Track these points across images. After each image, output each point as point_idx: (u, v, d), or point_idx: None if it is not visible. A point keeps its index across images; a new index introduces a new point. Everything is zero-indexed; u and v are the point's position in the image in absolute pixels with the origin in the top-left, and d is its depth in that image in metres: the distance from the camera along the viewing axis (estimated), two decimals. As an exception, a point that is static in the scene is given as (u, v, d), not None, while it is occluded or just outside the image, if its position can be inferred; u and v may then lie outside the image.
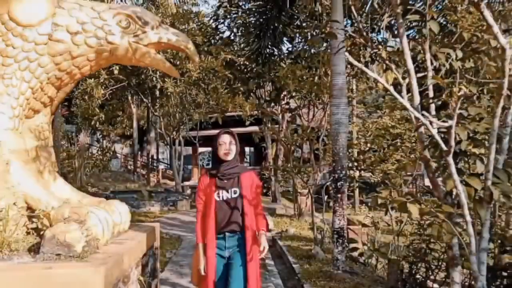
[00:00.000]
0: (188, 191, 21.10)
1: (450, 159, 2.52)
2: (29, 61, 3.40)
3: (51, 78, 3.53)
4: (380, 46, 3.67)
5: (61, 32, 3.44)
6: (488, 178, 2.54)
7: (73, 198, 3.72)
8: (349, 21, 9.18)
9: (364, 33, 3.92)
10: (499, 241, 4.42)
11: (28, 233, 3.29)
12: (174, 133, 22.07)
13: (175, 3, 19.58)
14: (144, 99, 20.56)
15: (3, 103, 3.34)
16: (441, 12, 4.60)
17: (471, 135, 2.68)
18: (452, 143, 2.48)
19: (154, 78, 17.85)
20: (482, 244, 2.59)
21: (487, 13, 2.29)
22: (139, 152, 30.18)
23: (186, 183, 23.78)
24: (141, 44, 3.62)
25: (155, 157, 30.22)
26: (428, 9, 3.35)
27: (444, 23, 4.08)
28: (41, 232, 3.21)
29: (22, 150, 3.42)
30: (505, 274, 4.10)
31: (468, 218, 2.54)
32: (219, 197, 3.55)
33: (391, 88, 2.70)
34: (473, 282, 3.09)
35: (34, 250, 3.08)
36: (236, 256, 3.51)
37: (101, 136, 27.55)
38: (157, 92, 19.97)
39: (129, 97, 22.20)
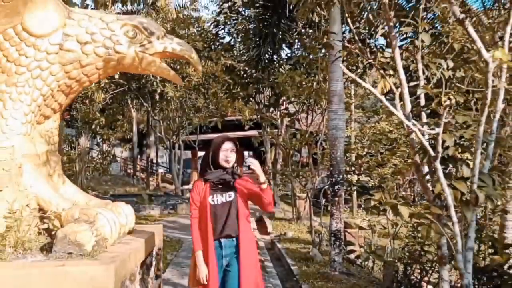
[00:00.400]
0: (188, 195, 21.25)
1: (437, 164, 2.70)
2: (41, 69, 3.55)
3: (61, 85, 3.69)
4: (378, 53, 3.85)
5: (71, 42, 3.59)
6: (473, 182, 2.72)
7: (81, 200, 3.88)
8: (347, 27, 9.35)
9: (361, 42, 4.11)
10: (490, 242, 4.60)
11: (39, 233, 3.44)
12: (174, 137, 22.23)
13: (175, 9, 19.82)
14: (144, 103, 20.74)
15: (16, 109, 3.50)
16: (433, 20, 4.79)
17: (458, 141, 2.86)
18: (439, 149, 2.65)
19: (154, 83, 18.03)
20: (468, 244, 2.77)
21: (471, 29, 2.47)
22: (139, 156, 30.32)
23: (186, 186, 23.89)
24: (147, 54, 3.79)
25: (154, 161, 30.36)
26: (420, 22, 3.54)
27: (437, 33, 4.27)
28: (52, 233, 3.37)
29: (34, 154, 3.57)
30: (495, 274, 4.27)
31: (455, 219, 2.72)
32: (213, 201, 3.55)
33: (383, 98, 2.88)
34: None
35: (46, 249, 3.24)
36: (233, 264, 3.50)
37: (101, 140, 27.70)
38: (157, 96, 20.16)
39: (129, 101, 22.36)
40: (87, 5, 9.54)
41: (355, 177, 11.81)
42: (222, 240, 3.52)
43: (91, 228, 3.20)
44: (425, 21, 3.68)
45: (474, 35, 2.48)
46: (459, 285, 4.61)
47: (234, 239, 3.52)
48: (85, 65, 3.67)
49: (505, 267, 4.31)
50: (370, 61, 3.51)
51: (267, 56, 12.60)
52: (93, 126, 21.37)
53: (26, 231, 3.31)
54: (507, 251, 4.51)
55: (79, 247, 3.08)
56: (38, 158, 3.62)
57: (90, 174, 19.20)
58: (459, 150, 2.94)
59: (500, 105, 2.77)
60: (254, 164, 3.45)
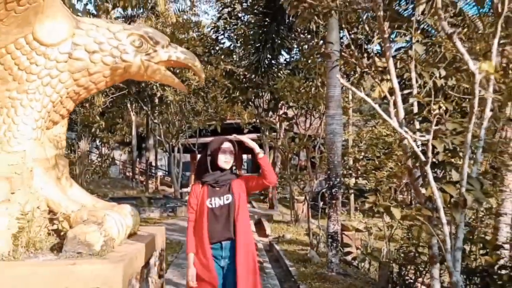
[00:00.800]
0: (187, 198, 21.33)
1: (428, 168, 2.87)
2: (51, 77, 3.68)
3: (70, 92, 3.84)
4: (376, 58, 4.02)
5: (80, 51, 3.73)
6: (462, 185, 2.89)
7: (88, 202, 4.01)
8: (345, 33, 9.52)
9: (358, 47, 4.28)
10: (481, 244, 4.76)
11: (49, 234, 3.60)
12: (174, 140, 22.38)
13: (174, 13, 20.02)
14: (144, 107, 20.91)
15: (27, 115, 3.65)
16: (427, 29, 4.96)
17: (448, 147, 3.03)
18: (430, 154, 2.83)
19: (154, 87, 18.20)
20: (457, 244, 2.93)
21: (459, 44, 2.64)
22: (138, 159, 30.45)
23: (184, 189, 23.97)
24: (152, 62, 3.94)
25: (153, 164, 30.48)
26: (414, 32, 3.71)
27: (430, 43, 4.45)
28: (61, 233, 3.52)
29: (44, 158, 3.72)
30: (485, 274, 4.43)
31: (444, 220, 2.88)
32: (211, 204, 3.53)
33: (377, 106, 3.05)
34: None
35: (56, 249, 3.39)
36: (231, 267, 3.49)
37: (100, 143, 27.84)
38: (157, 100, 20.33)
39: (129, 105, 22.52)
40: (89, 10, 9.68)
41: (352, 180, 11.98)
42: (223, 242, 3.53)
43: (100, 229, 3.35)
44: (418, 31, 3.85)
45: (462, 49, 2.65)
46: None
47: (233, 240, 3.50)
48: (93, 73, 3.82)
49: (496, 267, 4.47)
50: (365, 70, 3.68)
51: (266, 61, 12.76)
52: (93, 130, 21.49)
53: (37, 231, 3.46)
54: (497, 252, 4.67)
55: (88, 247, 3.24)
56: (47, 162, 3.76)
57: (89, 177, 19.31)
58: (449, 155, 3.11)
59: (488, 113, 2.94)
60: (243, 139, 3.56)
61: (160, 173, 31.54)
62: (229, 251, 3.53)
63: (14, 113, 3.62)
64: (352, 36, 9.52)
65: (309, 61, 10.78)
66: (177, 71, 16.12)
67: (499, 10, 2.82)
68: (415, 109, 3.57)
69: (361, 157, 10.37)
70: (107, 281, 2.96)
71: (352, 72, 9.41)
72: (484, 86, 3.02)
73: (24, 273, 2.93)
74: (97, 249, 3.25)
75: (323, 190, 10.81)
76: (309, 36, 12.16)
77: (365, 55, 4.59)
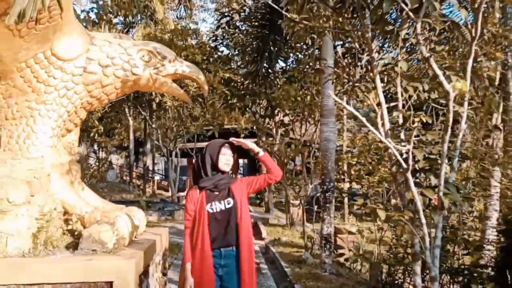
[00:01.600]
0: (184, 201, 21.56)
1: (409, 175, 3.21)
2: (67, 89, 4.00)
3: (83, 103, 4.16)
4: (369, 68, 4.35)
5: (94, 65, 4.05)
6: (440, 190, 3.23)
7: (99, 204, 4.33)
8: (340, 42, 9.87)
9: (351, 61, 4.61)
10: (463, 244, 5.11)
11: (63, 233, 3.91)
12: (171, 145, 22.64)
13: (173, 20, 20.33)
14: (142, 112, 21.19)
15: (44, 124, 3.96)
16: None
17: (427, 156, 3.37)
18: (410, 162, 3.17)
19: (152, 93, 18.48)
20: (436, 242, 3.27)
21: (435, 66, 2.99)
22: (135, 163, 30.65)
23: (181, 193, 24.22)
24: (160, 75, 4.27)
25: (150, 168, 30.68)
26: (399, 51, 4.07)
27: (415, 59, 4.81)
28: (75, 233, 3.84)
29: (59, 164, 4.03)
30: (467, 273, 4.77)
31: (423, 221, 3.22)
32: (212, 209, 3.37)
33: (364, 119, 3.39)
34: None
35: (71, 247, 3.70)
36: (231, 278, 3.34)
37: (98, 147, 28.06)
38: (155, 106, 20.61)
39: (127, 110, 22.79)
40: (92, 18, 9.98)
41: (346, 185, 12.33)
42: (222, 249, 3.36)
43: (112, 229, 3.67)
44: (404, 50, 4.20)
45: (438, 71, 2.99)
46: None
47: (234, 248, 3.36)
48: (106, 85, 4.14)
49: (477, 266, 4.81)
50: (357, 84, 4.02)
51: (263, 70, 13.05)
52: (92, 134, 21.73)
53: (54, 231, 3.78)
54: (479, 252, 5.02)
55: (102, 244, 3.56)
56: (63, 167, 4.07)
57: (87, 181, 19.57)
58: (428, 163, 3.45)
59: (463, 126, 3.29)
60: (241, 141, 3.56)
61: (157, 177, 31.73)
62: (229, 259, 3.37)
63: (33, 122, 3.93)
64: (347, 45, 9.88)
65: (305, 71, 11.11)
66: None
67: (473, 34, 3.16)
68: (400, 121, 3.91)
69: (354, 162, 10.72)
70: (121, 275, 3.27)
71: (346, 81, 9.78)
72: (460, 101, 3.38)
73: (45, 267, 3.24)
74: (110, 246, 3.56)
75: (318, 194, 11.14)
76: (305, 47, 12.50)
77: (359, 63, 4.91)
